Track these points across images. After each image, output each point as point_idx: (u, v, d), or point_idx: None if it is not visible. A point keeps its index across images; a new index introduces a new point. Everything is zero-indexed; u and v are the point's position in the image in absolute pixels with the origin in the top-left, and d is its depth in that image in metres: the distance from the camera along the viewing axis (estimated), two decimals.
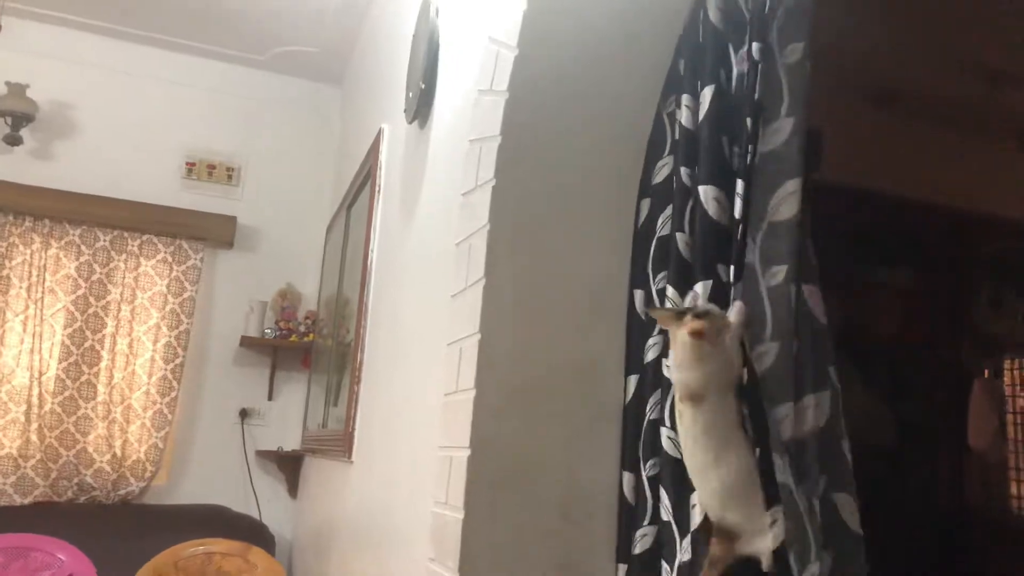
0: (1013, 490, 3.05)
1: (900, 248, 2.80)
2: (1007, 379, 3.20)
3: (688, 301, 1.26)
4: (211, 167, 4.14)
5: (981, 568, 2.74)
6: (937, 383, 2.93)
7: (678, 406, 1.13)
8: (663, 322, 1.23)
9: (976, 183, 2.83)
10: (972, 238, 2.97)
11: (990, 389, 3.01)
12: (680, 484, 1.28)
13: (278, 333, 4.06)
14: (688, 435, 1.12)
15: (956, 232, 2.92)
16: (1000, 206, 2.87)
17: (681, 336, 1.11)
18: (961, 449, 2.92)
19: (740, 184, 1.19)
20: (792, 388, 1.09)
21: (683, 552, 1.25)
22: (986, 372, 3.13)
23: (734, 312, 1.14)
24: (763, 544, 1.07)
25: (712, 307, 1.14)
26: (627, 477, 1.43)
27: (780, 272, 1.11)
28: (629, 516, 1.40)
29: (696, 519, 1.18)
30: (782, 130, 1.15)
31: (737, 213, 1.18)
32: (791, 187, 1.12)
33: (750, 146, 1.18)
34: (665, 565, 1.29)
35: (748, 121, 1.19)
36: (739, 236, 1.17)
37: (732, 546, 1.09)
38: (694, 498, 1.24)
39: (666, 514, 1.30)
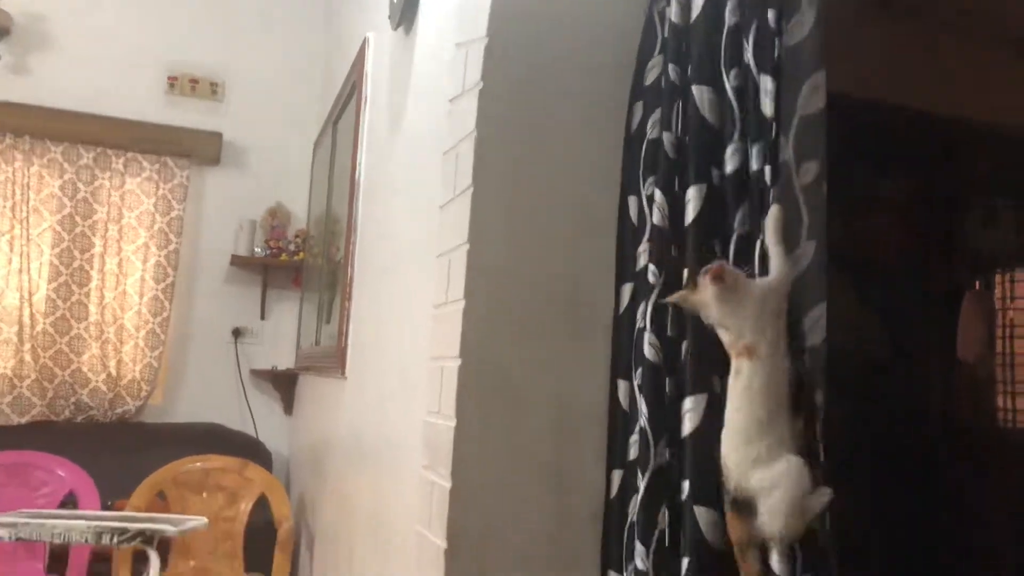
0: (1000, 402, 3.09)
1: (892, 160, 2.76)
2: (998, 292, 3.20)
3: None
4: (194, 82, 4.03)
5: (969, 478, 2.79)
6: (928, 295, 2.93)
7: (734, 364, 1.05)
8: (682, 298, 1.14)
9: (972, 93, 2.77)
10: (966, 149, 2.93)
11: (980, 301, 3.01)
12: (657, 391, 1.29)
13: (268, 252, 4.03)
14: (744, 393, 1.03)
15: (950, 143, 2.87)
16: (995, 117, 2.81)
17: (706, 293, 1.06)
18: (951, 361, 2.94)
19: (768, 80, 1.15)
20: (824, 290, 1.06)
21: (658, 457, 1.26)
22: (977, 285, 3.13)
23: (771, 216, 1.09)
24: (775, 526, 1.00)
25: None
26: (622, 385, 1.42)
27: (812, 169, 1.08)
28: (624, 423, 1.41)
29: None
30: (804, 22, 1.10)
31: (768, 111, 1.14)
32: (818, 80, 1.09)
33: (776, 39, 1.14)
34: (639, 471, 1.30)
35: (770, 15, 1.15)
36: (772, 134, 1.13)
37: (750, 524, 1.01)
38: (682, 403, 1.24)
39: (643, 420, 1.30)
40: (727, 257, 1.20)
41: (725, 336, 1.07)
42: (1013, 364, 3.10)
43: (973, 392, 3.10)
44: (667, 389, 1.28)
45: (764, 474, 1.00)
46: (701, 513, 1.16)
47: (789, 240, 1.09)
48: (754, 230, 1.18)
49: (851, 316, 2.49)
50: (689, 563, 1.16)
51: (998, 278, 3.23)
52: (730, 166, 1.21)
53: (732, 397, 1.05)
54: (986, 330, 3.01)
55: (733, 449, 1.03)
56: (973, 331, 2.95)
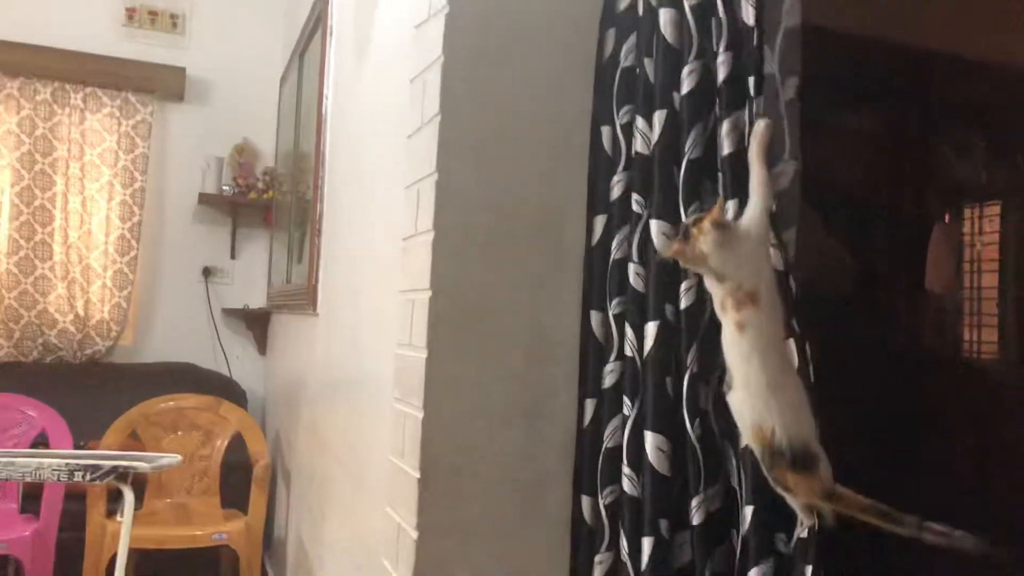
0: (967, 335, 3.14)
1: (864, 89, 2.74)
2: (967, 227, 3.23)
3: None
4: (153, 13, 3.90)
5: (933, 408, 2.85)
6: (898, 227, 2.95)
7: (734, 319, 0.97)
8: (679, 253, 1.04)
9: (946, 21, 2.74)
10: (939, 80, 2.91)
11: (949, 234, 3.04)
12: (642, 320, 1.29)
13: (236, 190, 3.96)
14: (756, 347, 0.96)
15: (923, 73, 2.85)
16: (971, 47, 2.79)
17: (704, 240, 0.98)
18: (919, 293, 2.97)
19: None
20: (799, 214, 1.04)
21: (646, 389, 1.27)
22: (947, 217, 3.15)
23: (758, 129, 1.01)
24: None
25: (700, 212, 1.03)
26: (595, 315, 1.42)
27: (794, 85, 1.05)
28: (598, 353, 1.41)
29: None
30: None
31: (749, 20, 1.10)
32: None
33: None
34: (626, 399, 1.31)
35: None
36: (755, 44, 1.09)
37: (817, 477, 0.94)
38: (649, 329, 1.25)
39: (630, 349, 1.30)
40: (690, 184, 1.19)
41: (719, 288, 0.99)
42: (980, 298, 3.15)
43: (940, 323, 3.15)
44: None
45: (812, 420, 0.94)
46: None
47: (772, 158, 1.07)
48: (708, 151, 1.17)
49: (818, 246, 2.50)
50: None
51: (968, 212, 3.26)
52: (687, 86, 1.19)
53: (743, 354, 0.97)
54: (954, 262, 3.04)
55: (771, 409, 0.95)
56: (941, 263, 2.98)
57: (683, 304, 1.23)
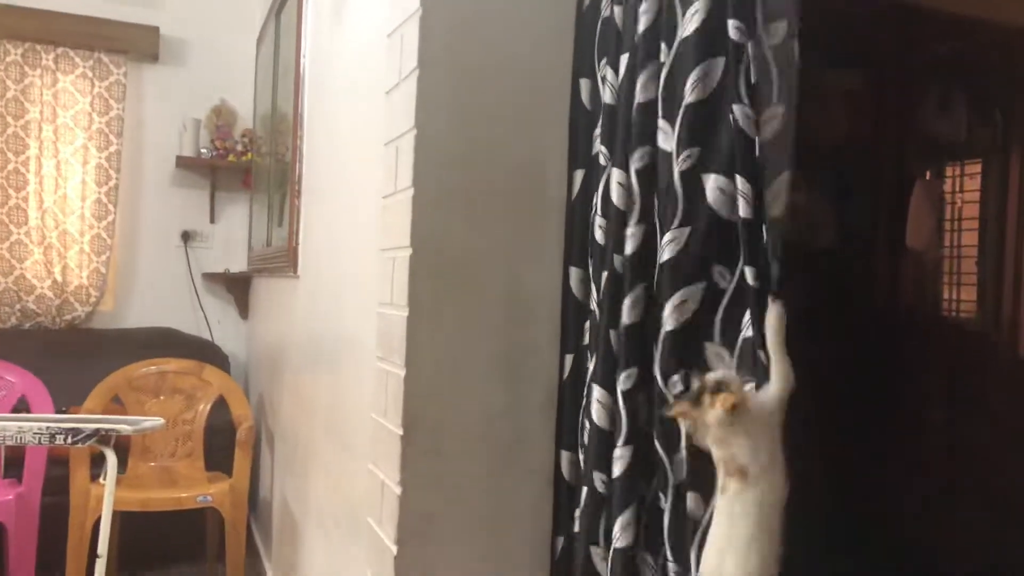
0: (946, 293, 3.17)
1: (846, 46, 2.72)
2: (948, 185, 3.24)
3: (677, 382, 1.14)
4: None
5: (911, 362, 2.88)
6: (879, 184, 2.96)
7: (720, 479, 1.00)
8: (685, 415, 1.05)
9: None
10: (922, 36, 2.90)
11: (930, 191, 3.05)
12: (599, 272, 1.29)
13: (215, 153, 3.90)
14: (726, 513, 0.99)
15: (906, 30, 2.84)
16: (954, 3, 2.78)
17: (714, 417, 0.98)
18: (899, 250, 2.99)
19: None
20: (790, 159, 1.04)
21: (598, 342, 1.28)
22: (928, 174, 3.16)
23: (772, 317, 1.01)
24: None
25: (724, 375, 1.02)
26: (574, 272, 1.42)
27: (781, 28, 1.04)
28: (577, 309, 1.41)
29: None
30: None
31: None
32: None
33: None
34: (590, 354, 1.32)
35: None
36: None
37: None
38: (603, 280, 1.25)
39: (594, 303, 1.32)
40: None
41: (715, 449, 1.01)
42: (960, 256, 3.17)
43: (920, 280, 3.17)
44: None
45: None
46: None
47: (758, 103, 1.06)
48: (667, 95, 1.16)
49: (800, 201, 2.50)
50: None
51: (949, 170, 3.27)
52: (641, 25, 1.18)
53: (717, 512, 1.01)
54: (935, 219, 3.06)
55: (711, 569, 1.00)
56: (923, 220, 2.99)
57: (628, 250, 1.22)
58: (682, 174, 1.12)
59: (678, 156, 1.13)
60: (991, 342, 2.84)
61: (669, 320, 1.13)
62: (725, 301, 1.11)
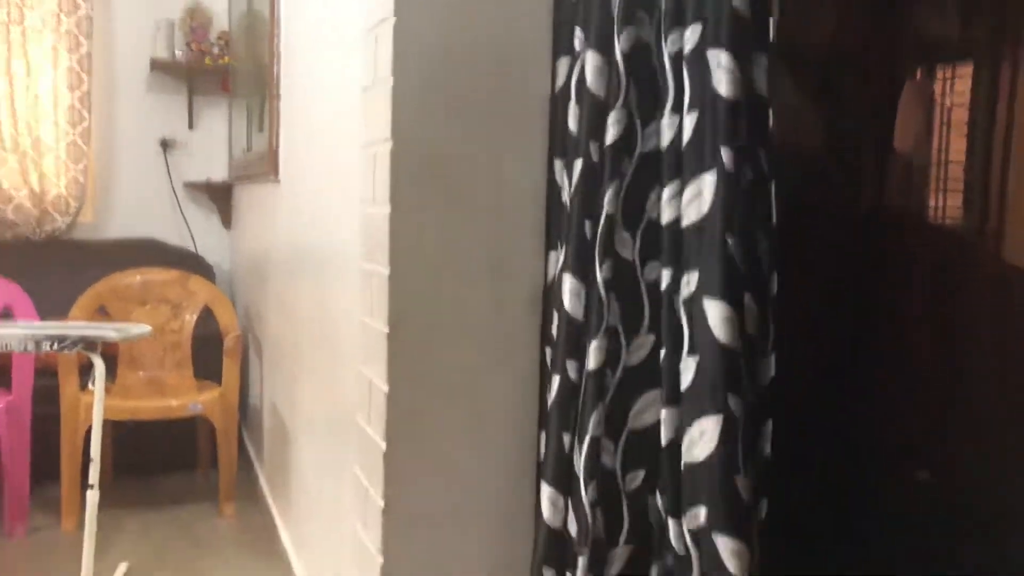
0: (932, 200, 3.15)
1: None
2: (938, 87, 3.19)
3: None
4: None
5: (890, 258, 2.88)
6: (869, 83, 2.91)
7: None
8: None
9: None
10: None
11: (920, 90, 2.99)
12: (573, 160, 1.26)
13: (191, 55, 3.77)
14: None
15: None
16: None
17: None
18: (887, 151, 2.96)
19: None
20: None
21: (570, 230, 1.26)
22: (918, 75, 3.10)
23: None
24: None
25: None
26: (558, 163, 1.39)
27: None
28: (560, 202, 1.38)
29: None
30: None
31: None
32: None
33: None
34: (560, 245, 1.32)
35: None
36: None
37: None
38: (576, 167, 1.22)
39: (566, 194, 1.29)
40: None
41: None
42: (947, 162, 3.14)
43: (907, 182, 3.15)
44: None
45: None
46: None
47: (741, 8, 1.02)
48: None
49: (785, 102, 2.46)
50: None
51: (940, 72, 3.20)
52: None
53: None
54: (925, 120, 3.02)
55: None
56: (911, 120, 2.95)
57: (608, 139, 1.19)
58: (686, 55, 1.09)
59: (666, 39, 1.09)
60: (978, 247, 2.84)
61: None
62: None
